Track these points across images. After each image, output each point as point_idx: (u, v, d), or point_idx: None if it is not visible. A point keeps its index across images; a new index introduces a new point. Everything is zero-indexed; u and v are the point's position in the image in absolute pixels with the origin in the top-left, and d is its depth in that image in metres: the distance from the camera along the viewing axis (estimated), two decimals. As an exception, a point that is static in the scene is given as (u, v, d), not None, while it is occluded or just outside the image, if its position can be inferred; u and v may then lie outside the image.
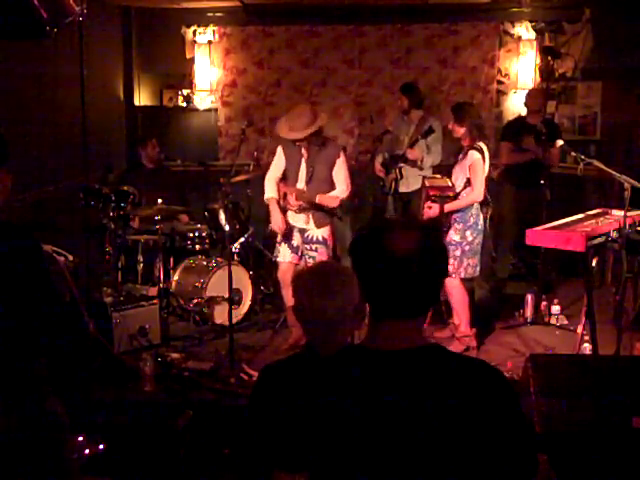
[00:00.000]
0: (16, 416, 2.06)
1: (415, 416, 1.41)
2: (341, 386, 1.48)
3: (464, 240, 4.58)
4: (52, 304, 2.15)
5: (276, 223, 4.67)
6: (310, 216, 4.62)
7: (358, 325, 2.04)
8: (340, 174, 4.59)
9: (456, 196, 4.54)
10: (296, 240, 4.67)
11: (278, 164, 4.72)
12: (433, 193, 4.53)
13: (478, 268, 4.70)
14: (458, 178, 4.61)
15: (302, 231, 4.65)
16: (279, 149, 4.73)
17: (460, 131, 4.62)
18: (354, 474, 1.45)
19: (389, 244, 1.45)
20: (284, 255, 4.69)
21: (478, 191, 4.54)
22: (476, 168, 4.52)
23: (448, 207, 4.51)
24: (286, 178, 4.68)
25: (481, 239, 4.66)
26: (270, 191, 4.71)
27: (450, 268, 4.58)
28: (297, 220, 4.67)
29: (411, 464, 1.41)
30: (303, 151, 4.56)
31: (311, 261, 4.58)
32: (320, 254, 4.59)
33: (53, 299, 2.17)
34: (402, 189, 5.84)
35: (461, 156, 4.66)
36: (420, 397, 1.42)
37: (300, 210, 4.62)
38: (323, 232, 4.64)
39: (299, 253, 4.67)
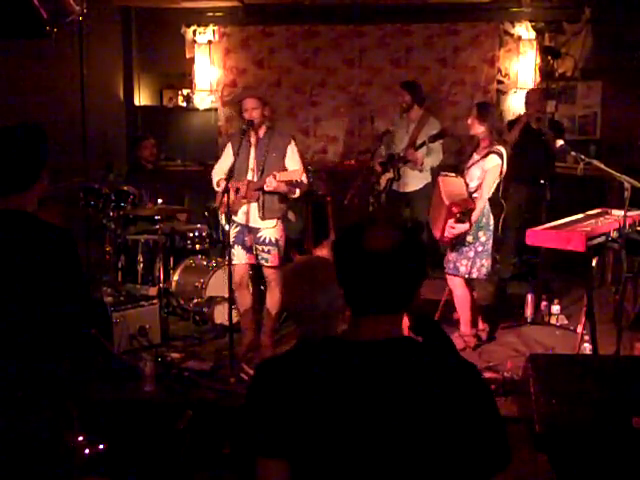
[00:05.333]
0: (38, 416, 2.06)
1: (392, 404, 1.44)
2: (320, 377, 1.50)
3: (477, 241, 4.50)
4: (82, 297, 2.17)
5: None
6: (261, 204, 4.41)
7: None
8: (294, 160, 4.41)
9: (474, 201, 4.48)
10: (249, 240, 4.52)
11: (225, 160, 4.53)
12: (457, 210, 4.35)
13: (490, 269, 4.66)
14: (474, 179, 4.51)
15: (254, 231, 4.50)
16: (228, 145, 4.60)
17: (479, 129, 4.48)
18: (334, 462, 1.47)
19: (369, 241, 1.48)
20: (240, 257, 4.53)
21: (484, 198, 4.48)
22: (491, 174, 4.44)
23: (472, 220, 4.43)
24: (233, 175, 4.35)
25: (492, 239, 4.60)
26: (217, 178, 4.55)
27: (463, 269, 4.53)
28: (249, 216, 4.47)
29: (389, 450, 1.44)
30: (252, 139, 4.43)
31: (264, 262, 4.50)
32: (272, 256, 4.47)
33: (84, 292, 2.20)
34: (403, 189, 5.82)
35: (479, 157, 4.53)
36: (398, 386, 1.45)
37: (252, 199, 4.41)
38: (275, 233, 4.48)
39: (253, 252, 4.54)
